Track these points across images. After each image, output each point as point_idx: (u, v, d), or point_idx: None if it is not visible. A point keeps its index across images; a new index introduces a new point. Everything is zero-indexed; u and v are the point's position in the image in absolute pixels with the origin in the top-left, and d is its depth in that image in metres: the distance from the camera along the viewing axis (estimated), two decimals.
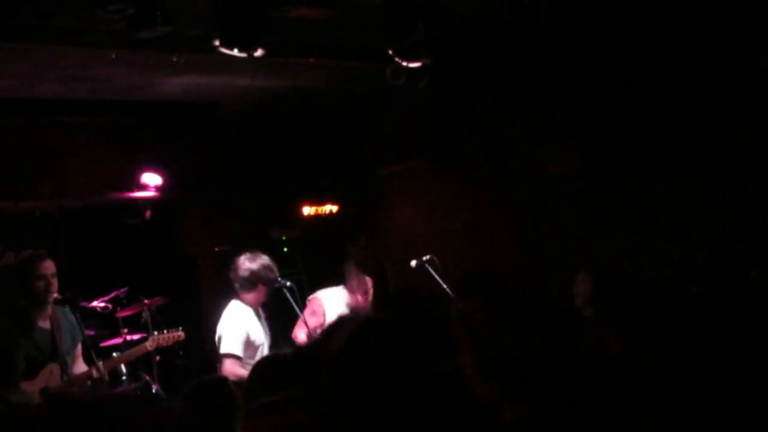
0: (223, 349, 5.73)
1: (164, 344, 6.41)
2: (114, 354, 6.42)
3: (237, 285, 5.91)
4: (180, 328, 6.54)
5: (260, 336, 5.89)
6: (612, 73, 6.92)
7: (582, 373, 2.17)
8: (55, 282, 5.37)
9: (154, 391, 7.09)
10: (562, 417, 2.07)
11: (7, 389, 4.97)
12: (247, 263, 5.88)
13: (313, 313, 6.45)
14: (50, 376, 5.26)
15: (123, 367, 6.75)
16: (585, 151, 7.28)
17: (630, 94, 6.84)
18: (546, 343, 2.10)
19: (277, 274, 5.93)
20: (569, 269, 7.08)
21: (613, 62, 6.89)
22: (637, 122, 6.91)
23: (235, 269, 5.89)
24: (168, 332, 6.45)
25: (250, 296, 5.92)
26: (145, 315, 7.22)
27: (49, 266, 5.38)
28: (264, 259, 5.92)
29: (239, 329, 5.78)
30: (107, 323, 7.37)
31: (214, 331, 6.00)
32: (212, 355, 6.17)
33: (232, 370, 5.54)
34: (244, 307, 5.93)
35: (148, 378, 7.14)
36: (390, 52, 5.91)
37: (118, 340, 7.15)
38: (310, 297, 6.64)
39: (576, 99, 7.25)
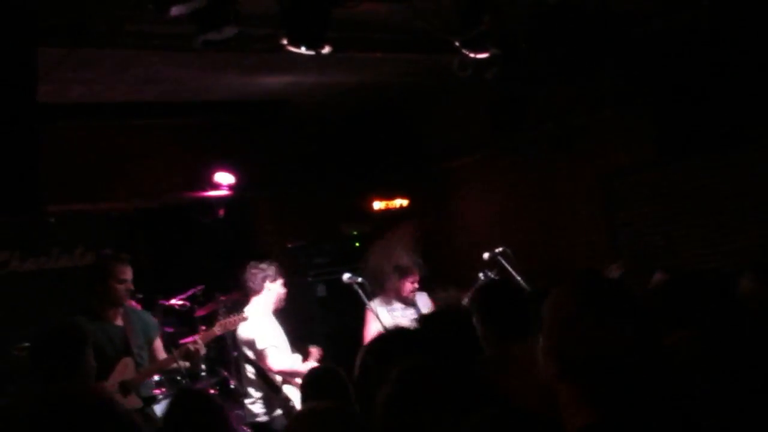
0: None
1: (231, 328, 6.54)
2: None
3: None
4: (245, 311, 6.67)
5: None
6: (685, 57, 6.75)
7: (659, 377, 2.04)
8: (131, 286, 5.55)
9: (232, 386, 7.22)
10: (632, 423, 1.96)
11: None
12: (261, 272, 6.51)
13: None
14: (125, 369, 5.42)
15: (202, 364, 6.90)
16: (659, 139, 7.12)
17: (704, 78, 6.66)
18: (632, 345, 1.98)
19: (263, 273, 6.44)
20: (645, 260, 6.95)
21: (686, 46, 6.73)
22: (712, 107, 6.72)
23: None
24: (233, 316, 6.58)
25: (266, 301, 6.47)
26: (221, 312, 7.35)
27: (129, 272, 5.55)
28: (267, 264, 6.55)
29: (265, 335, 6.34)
30: (185, 320, 7.52)
31: (286, 325, 6.21)
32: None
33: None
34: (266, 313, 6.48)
35: (225, 374, 7.27)
36: (456, 43, 5.87)
37: (196, 337, 7.28)
38: None
39: (648, 85, 7.10)
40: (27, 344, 6.43)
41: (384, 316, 6.51)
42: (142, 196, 8.54)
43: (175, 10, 4.76)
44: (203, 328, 7.33)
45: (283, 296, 6.48)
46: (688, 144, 6.94)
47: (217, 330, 6.39)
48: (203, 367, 6.94)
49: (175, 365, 5.70)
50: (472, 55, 5.93)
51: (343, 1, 5.31)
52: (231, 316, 6.59)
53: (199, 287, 7.48)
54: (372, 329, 6.43)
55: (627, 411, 1.92)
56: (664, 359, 2.14)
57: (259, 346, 6.17)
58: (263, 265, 6.47)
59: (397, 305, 6.82)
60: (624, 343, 1.94)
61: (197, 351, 5.70)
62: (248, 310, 6.31)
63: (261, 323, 6.26)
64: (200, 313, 7.36)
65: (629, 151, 7.51)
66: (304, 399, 4.38)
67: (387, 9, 5.90)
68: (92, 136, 8.19)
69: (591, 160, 7.87)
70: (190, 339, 7.32)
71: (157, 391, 5.82)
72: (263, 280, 6.41)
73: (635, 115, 7.34)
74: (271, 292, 6.44)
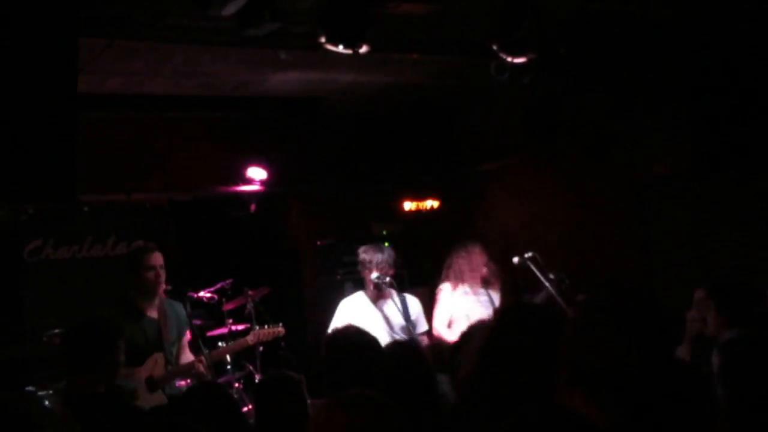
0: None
1: (265, 339, 6.56)
2: (220, 343, 6.60)
3: None
4: (280, 324, 6.66)
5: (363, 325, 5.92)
6: (723, 68, 6.68)
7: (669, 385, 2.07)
8: (163, 273, 5.55)
9: (257, 380, 7.24)
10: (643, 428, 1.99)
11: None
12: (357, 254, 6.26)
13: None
14: (155, 365, 5.42)
15: (228, 357, 6.92)
16: (695, 149, 7.05)
17: (742, 88, 6.58)
18: (635, 354, 2.02)
19: (374, 260, 6.13)
20: (678, 272, 6.88)
21: (725, 56, 6.65)
22: (750, 118, 6.64)
23: None
24: (269, 327, 6.58)
25: (365, 284, 6.24)
26: (249, 306, 7.38)
27: (157, 258, 5.57)
28: (368, 247, 6.26)
29: (340, 317, 6.07)
30: (213, 313, 7.55)
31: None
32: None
33: None
34: (361, 296, 6.24)
35: (251, 368, 7.30)
36: (495, 47, 5.85)
37: (223, 330, 7.32)
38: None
39: (685, 95, 7.03)
40: (57, 331, 6.55)
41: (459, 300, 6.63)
42: (176, 188, 8.61)
43: (215, 10, 4.80)
44: (230, 321, 7.37)
45: (371, 285, 6.13)
46: (724, 156, 6.86)
47: (250, 339, 6.42)
48: (228, 359, 6.96)
49: (202, 369, 5.68)
50: (509, 59, 5.92)
51: (383, 1, 5.33)
52: (267, 327, 6.60)
53: (228, 281, 7.51)
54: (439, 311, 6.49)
55: (634, 417, 1.97)
56: (676, 370, 2.18)
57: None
58: (361, 251, 6.23)
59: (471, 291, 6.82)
60: (633, 354, 1.99)
61: (203, 376, 5.65)
62: (353, 295, 6.26)
63: (340, 310, 6.13)
64: (228, 306, 7.39)
65: (664, 161, 7.44)
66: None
67: (426, 10, 5.90)
68: (128, 127, 8.27)
69: (625, 168, 7.81)
70: (217, 332, 7.40)
71: (182, 383, 5.84)
72: (361, 267, 6.19)
73: (672, 126, 7.27)
74: (368, 280, 6.17)
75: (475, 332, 3.29)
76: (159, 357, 5.44)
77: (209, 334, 7.31)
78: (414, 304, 6.28)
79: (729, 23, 6.47)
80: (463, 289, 6.80)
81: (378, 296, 6.18)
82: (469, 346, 3.02)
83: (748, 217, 6.81)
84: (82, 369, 3.88)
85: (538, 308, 3.21)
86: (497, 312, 5.32)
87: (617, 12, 6.14)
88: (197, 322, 6.95)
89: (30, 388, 5.90)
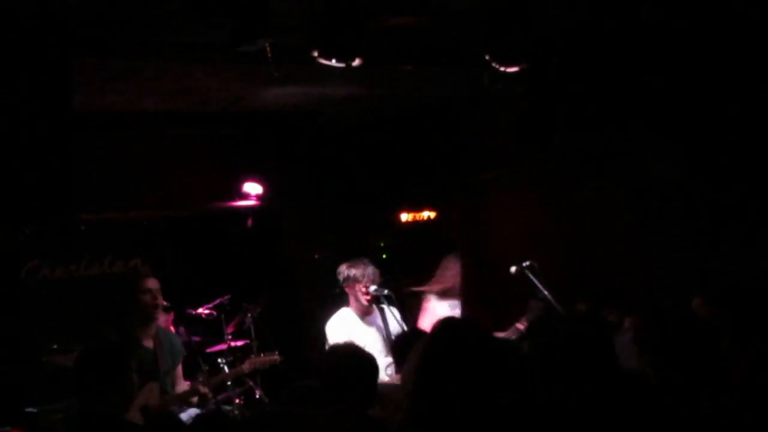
0: None
1: (261, 367, 6.59)
2: (219, 360, 6.61)
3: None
4: (276, 352, 6.67)
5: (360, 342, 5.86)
6: (720, 72, 6.70)
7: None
8: (160, 297, 5.55)
9: (257, 396, 7.24)
10: None
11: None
12: (339, 271, 6.05)
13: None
14: (150, 394, 5.40)
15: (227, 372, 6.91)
16: (692, 154, 7.06)
17: (739, 92, 6.60)
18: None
19: (366, 274, 5.98)
20: (676, 277, 6.88)
21: (720, 61, 6.67)
22: (746, 122, 6.66)
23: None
24: (265, 355, 6.61)
25: (350, 301, 6.06)
26: (248, 321, 7.38)
27: (152, 282, 5.56)
28: (352, 262, 6.06)
29: (331, 336, 5.93)
30: (212, 329, 7.55)
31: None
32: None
33: None
34: (349, 313, 6.04)
35: (251, 383, 7.29)
36: (487, 57, 5.87)
37: (222, 346, 7.32)
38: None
39: (681, 99, 7.04)
40: (55, 346, 6.55)
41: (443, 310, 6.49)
42: (172, 205, 8.59)
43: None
44: (230, 337, 7.37)
45: (365, 300, 5.98)
46: (722, 161, 6.87)
47: (245, 367, 6.45)
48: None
49: (194, 398, 5.68)
50: (502, 69, 5.93)
51: (375, 14, 5.34)
52: (263, 355, 6.61)
53: (226, 297, 7.51)
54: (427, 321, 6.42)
55: None
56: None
57: None
58: (345, 266, 6.04)
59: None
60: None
61: (205, 395, 5.65)
62: (339, 313, 6.07)
63: (332, 330, 5.95)
64: (230, 329, 7.41)
65: (661, 166, 7.45)
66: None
67: (418, 22, 5.92)
68: (123, 145, 8.26)
69: (622, 174, 7.81)
70: (216, 348, 7.38)
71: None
72: (349, 283, 6.00)
73: (668, 131, 7.28)
74: (355, 296, 6.03)
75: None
76: (154, 386, 5.42)
77: (209, 350, 7.30)
78: (394, 312, 6.12)
79: (724, 28, 6.50)
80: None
81: (367, 311, 6.09)
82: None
83: (747, 221, 6.82)
84: (95, 392, 3.90)
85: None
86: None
87: (608, 21, 6.16)
88: (196, 338, 6.95)
89: (30, 408, 5.88)
